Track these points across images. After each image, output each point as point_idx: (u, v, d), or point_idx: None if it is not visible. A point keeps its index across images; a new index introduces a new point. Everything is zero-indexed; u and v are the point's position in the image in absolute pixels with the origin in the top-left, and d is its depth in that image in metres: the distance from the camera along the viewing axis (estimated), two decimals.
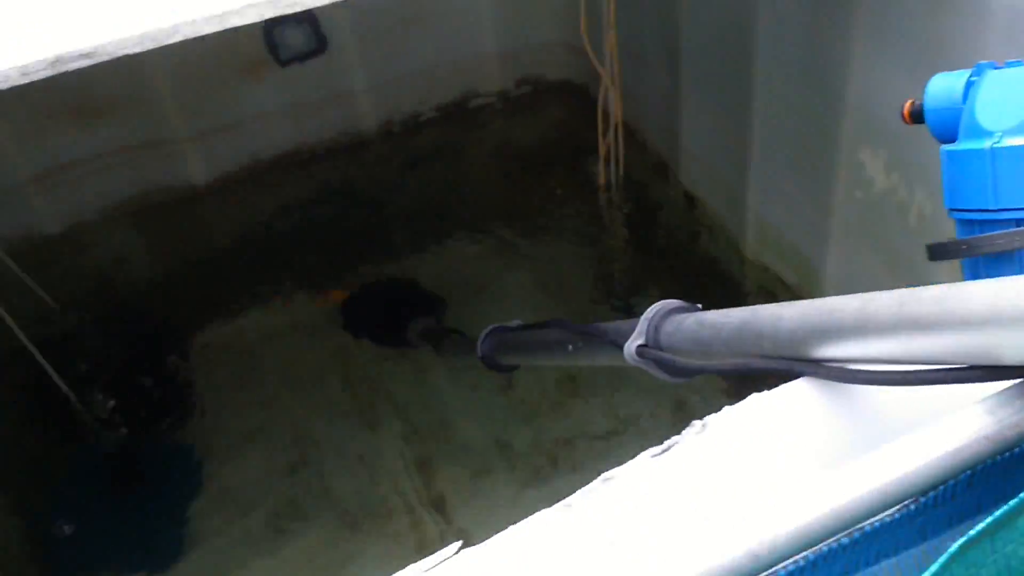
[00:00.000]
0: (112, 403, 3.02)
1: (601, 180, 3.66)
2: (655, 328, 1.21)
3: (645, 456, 0.87)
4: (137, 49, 1.29)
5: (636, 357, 1.22)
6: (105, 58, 1.28)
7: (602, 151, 3.57)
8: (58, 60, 1.24)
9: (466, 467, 2.90)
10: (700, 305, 1.22)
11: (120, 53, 1.29)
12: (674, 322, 1.19)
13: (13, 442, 2.92)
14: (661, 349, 1.19)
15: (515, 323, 2.17)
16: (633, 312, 3.32)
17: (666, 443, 0.86)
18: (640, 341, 1.21)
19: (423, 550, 2.61)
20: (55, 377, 2.86)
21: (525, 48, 4.11)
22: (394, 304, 3.37)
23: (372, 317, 3.37)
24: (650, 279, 3.47)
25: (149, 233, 3.63)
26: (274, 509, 2.82)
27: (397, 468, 2.91)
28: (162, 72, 3.44)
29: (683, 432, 0.86)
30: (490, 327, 2.19)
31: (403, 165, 3.98)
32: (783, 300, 2.84)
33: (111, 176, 3.56)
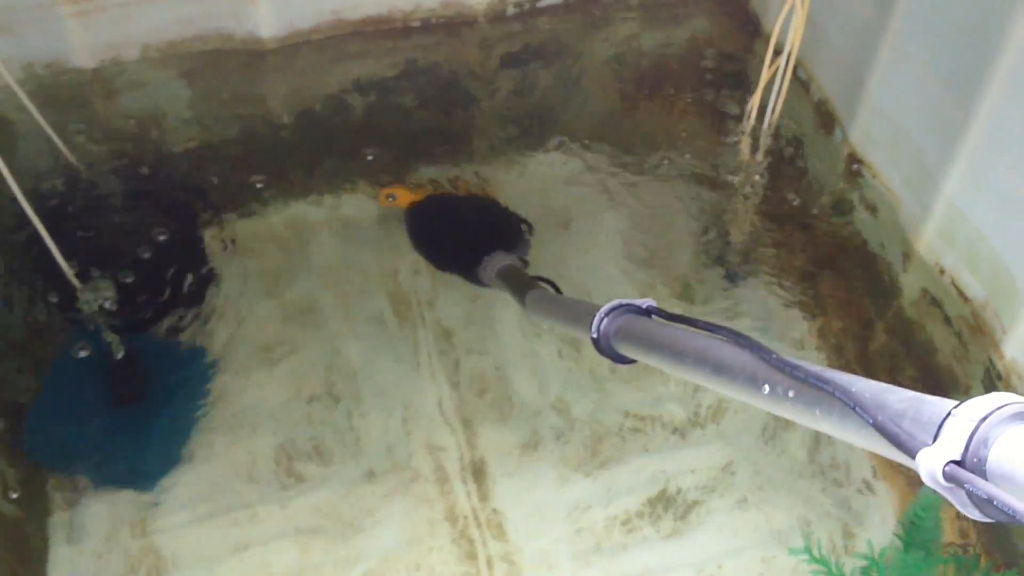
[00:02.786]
0: (123, 284, 2.48)
1: (750, 120, 2.98)
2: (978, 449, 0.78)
3: None
4: None
5: (942, 482, 0.79)
6: None
7: (762, 84, 2.89)
8: None
9: (513, 435, 2.39)
10: None
11: None
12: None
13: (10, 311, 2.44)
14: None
15: (646, 303, 1.54)
16: (738, 288, 2.85)
17: None
18: (951, 458, 0.79)
19: (452, 521, 2.15)
20: (53, 249, 2.32)
21: None
22: (471, 226, 2.77)
23: (441, 234, 2.77)
24: (772, 250, 2.83)
25: (196, 87, 3.03)
26: (287, 442, 2.34)
27: (436, 420, 2.40)
28: None
29: None
30: (616, 302, 1.56)
31: (507, 57, 3.33)
32: (950, 315, 2.18)
33: (163, 8, 2.96)
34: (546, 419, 2.43)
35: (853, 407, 0.91)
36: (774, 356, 1.10)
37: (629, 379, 2.51)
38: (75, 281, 2.41)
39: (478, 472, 2.32)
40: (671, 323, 1.41)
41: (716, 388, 1.23)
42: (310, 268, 2.70)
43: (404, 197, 2.85)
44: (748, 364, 1.14)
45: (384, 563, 2.16)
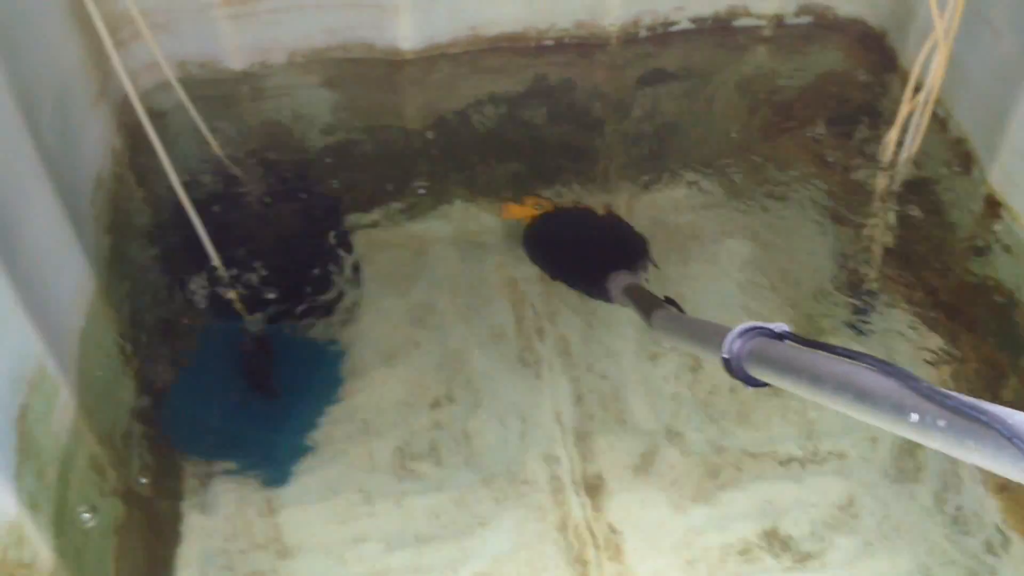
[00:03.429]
0: (263, 278, 2.59)
1: (885, 155, 2.93)
2: None
3: None
4: None
5: None
6: None
7: (900, 119, 2.84)
8: None
9: (630, 453, 2.38)
10: None
11: None
12: None
13: (151, 303, 2.56)
14: None
15: (780, 328, 1.54)
16: (863, 325, 2.79)
17: None
18: None
19: (564, 531, 2.17)
20: (204, 239, 2.44)
21: None
22: (596, 242, 2.79)
23: (564, 248, 2.80)
24: (901, 289, 2.75)
25: (336, 93, 3.14)
26: (407, 442, 2.38)
27: (554, 432, 2.41)
28: None
29: None
30: (749, 325, 1.57)
31: (637, 79, 3.35)
32: None
33: (311, 17, 3.07)
34: (660, 441, 2.41)
35: (1010, 438, 0.90)
36: (924, 384, 1.09)
37: (746, 406, 2.48)
38: (222, 271, 2.52)
39: (593, 487, 2.33)
40: (804, 348, 1.41)
41: (857, 415, 1.23)
42: (434, 275, 2.75)
43: (527, 210, 2.89)
44: (894, 392, 1.13)
45: (495, 565, 2.18)
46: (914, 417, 1.07)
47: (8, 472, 1.53)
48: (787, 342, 1.48)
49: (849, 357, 1.27)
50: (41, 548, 1.55)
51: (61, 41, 2.47)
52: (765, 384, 1.52)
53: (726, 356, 1.55)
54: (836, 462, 2.38)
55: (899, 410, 1.11)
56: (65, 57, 2.48)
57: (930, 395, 1.06)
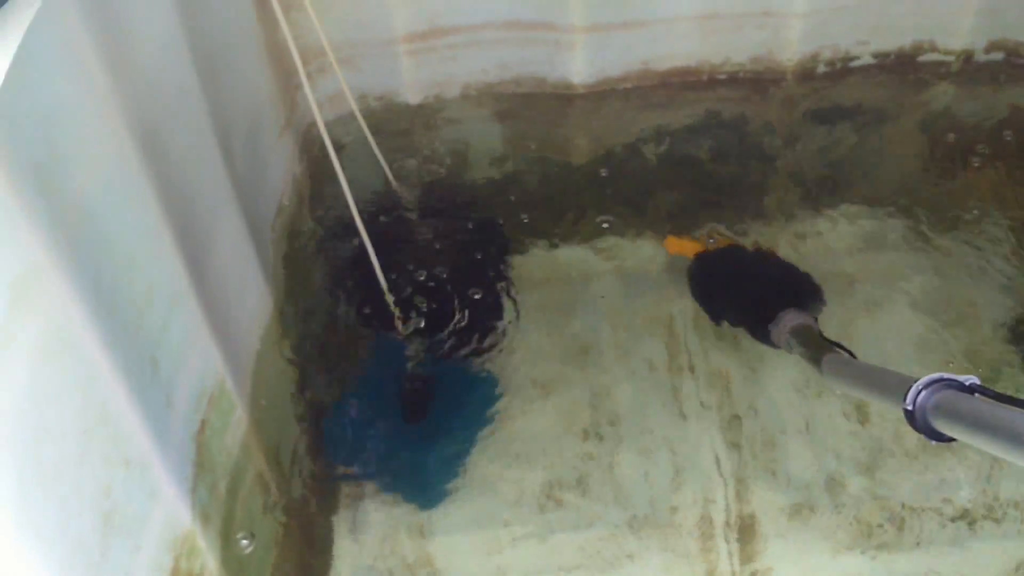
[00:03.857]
0: (426, 306, 2.68)
1: None
2: None
3: None
4: None
5: None
6: None
7: None
8: None
9: (783, 501, 2.30)
10: None
11: None
12: None
13: (321, 325, 2.69)
14: None
15: (969, 380, 1.46)
16: None
17: None
18: None
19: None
20: (375, 264, 2.54)
21: (1015, 4, 3.17)
22: (762, 282, 2.72)
23: (730, 286, 2.74)
24: None
25: (506, 126, 3.20)
26: (555, 477, 2.39)
27: (709, 473, 2.36)
28: None
29: None
30: (936, 376, 1.49)
31: (811, 115, 3.26)
32: None
33: (487, 53, 3.15)
34: (819, 488, 2.33)
35: None
36: None
37: (913, 457, 2.37)
38: (389, 298, 2.62)
39: (744, 533, 2.27)
40: (999, 404, 1.33)
41: None
42: (590, 308, 2.75)
43: (690, 246, 2.86)
44: None
45: None
46: None
47: (186, 485, 1.64)
48: (977, 396, 1.41)
49: None
50: (209, 560, 1.66)
51: (256, 72, 2.63)
52: (950, 439, 1.45)
53: (909, 408, 1.49)
54: (1014, 524, 2.23)
55: None
56: (258, 88, 2.64)
57: None
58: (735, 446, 2.41)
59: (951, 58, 3.31)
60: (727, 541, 2.26)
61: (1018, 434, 1.22)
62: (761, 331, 2.46)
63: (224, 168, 2.15)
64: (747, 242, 2.86)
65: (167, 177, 1.74)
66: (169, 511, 1.57)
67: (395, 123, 3.19)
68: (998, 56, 3.31)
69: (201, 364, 1.82)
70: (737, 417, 2.48)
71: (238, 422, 1.96)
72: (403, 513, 2.33)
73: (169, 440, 1.60)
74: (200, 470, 1.71)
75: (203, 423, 1.78)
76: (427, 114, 3.24)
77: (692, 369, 2.58)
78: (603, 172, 3.10)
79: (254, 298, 2.29)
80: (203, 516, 1.68)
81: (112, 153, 1.52)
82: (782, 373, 2.54)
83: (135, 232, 1.58)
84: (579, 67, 3.20)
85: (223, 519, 1.78)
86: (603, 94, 3.26)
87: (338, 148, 2.54)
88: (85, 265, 1.35)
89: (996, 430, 1.27)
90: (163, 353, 1.62)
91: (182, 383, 1.71)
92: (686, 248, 2.85)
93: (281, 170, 2.77)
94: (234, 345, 2.03)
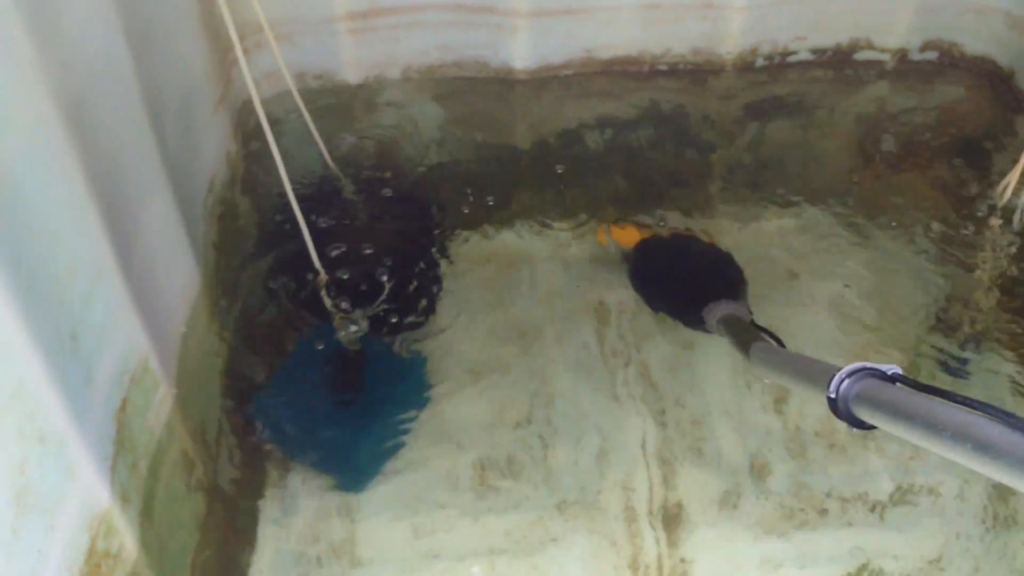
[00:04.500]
0: (361, 287, 2.65)
1: (1003, 198, 2.81)
2: None
3: None
4: None
5: None
6: None
7: (1022, 162, 2.72)
8: None
9: (710, 486, 2.34)
10: None
11: None
12: None
13: (251, 304, 2.65)
14: None
15: (891, 370, 1.48)
16: (967, 371, 2.65)
17: None
18: None
19: (634, 569, 2.13)
20: (310, 246, 2.51)
21: (950, 4, 3.25)
22: (696, 270, 2.75)
23: (665, 274, 2.76)
24: (1011, 335, 2.63)
25: (447, 110, 3.19)
26: (486, 460, 2.38)
27: (635, 457, 2.39)
28: None
29: None
30: (859, 365, 1.51)
31: (749, 107, 3.31)
32: None
33: (430, 34, 3.14)
34: (745, 476, 2.37)
35: None
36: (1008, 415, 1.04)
37: (837, 445, 2.42)
38: (322, 278, 2.59)
39: (670, 519, 2.31)
40: (918, 392, 1.36)
41: (976, 467, 1.17)
42: (525, 294, 2.76)
43: (625, 235, 2.88)
44: (1020, 446, 1.08)
45: None
46: None
47: (106, 463, 1.60)
48: (899, 384, 1.43)
49: (967, 405, 1.22)
50: (128, 540, 1.62)
51: (190, 47, 2.58)
52: (872, 427, 1.48)
53: (832, 396, 1.51)
54: (929, 509, 2.28)
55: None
56: (192, 62, 2.59)
57: None
58: (664, 429, 2.44)
59: (887, 56, 3.39)
60: (653, 528, 2.28)
61: (935, 423, 1.25)
62: (694, 319, 2.49)
63: (155, 142, 2.10)
64: (684, 231, 2.89)
65: (94, 149, 1.69)
66: (87, 490, 1.54)
67: (334, 102, 3.17)
68: (932, 55, 3.39)
69: (125, 341, 1.78)
70: (668, 405, 2.50)
71: (162, 401, 1.92)
72: (332, 495, 2.31)
73: (88, 417, 1.56)
74: (120, 449, 1.67)
75: (125, 401, 1.74)
76: (367, 94, 3.21)
77: (626, 355, 2.60)
78: (543, 158, 3.11)
79: (183, 276, 2.24)
80: (122, 496, 1.64)
81: (34, 121, 1.47)
82: (716, 360, 2.57)
83: (58, 204, 1.53)
84: (522, 52, 3.20)
85: (144, 499, 1.75)
86: (545, 80, 3.27)
87: (275, 126, 2.49)
88: (3, 235, 1.31)
89: (914, 419, 1.30)
90: (84, 329, 1.58)
91: (104, 360, 1.67)
92: (622, 237, 2.87)
93: (215, 147, 2.72)
94: (160, 323, 1.98)
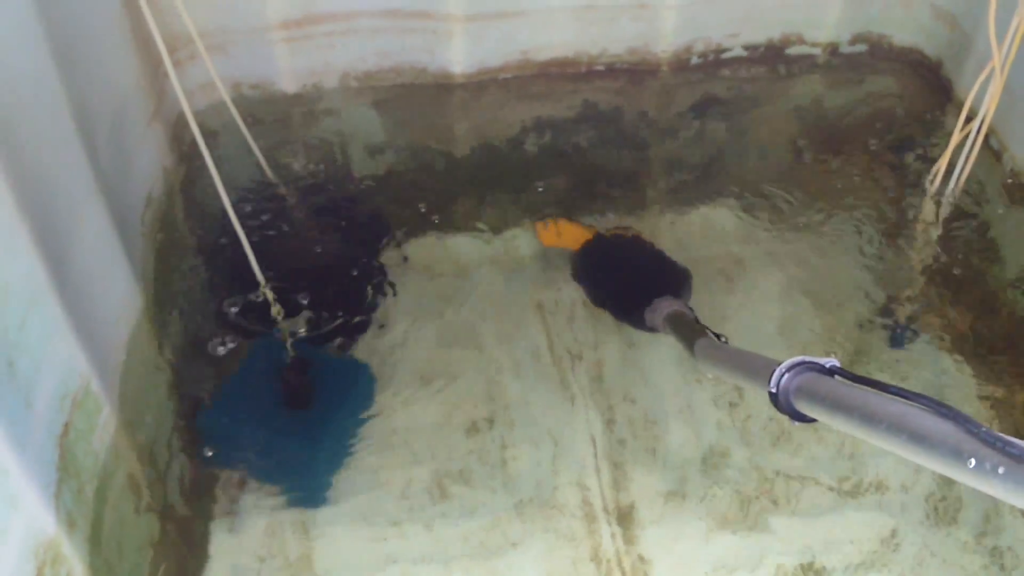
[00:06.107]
0: (305, 297, 2.63)
1: (934, 184, 2.88)
2: None
3: None
4: None
5: None
6: None
7: (950, 148, 2.79)
8: None
9: (662, 481, 2.36)
10: None
11: None
12: None
13: (195, 320, 2.61)
14: None
15: (830, 363, 1.51)
16: (904, 354, 2.69)
17: None
18: None
19: (596, 563, 2.15)
20: (251, 258, 2.48)
21: None
22: (639, 269, 2.77)
23: (609, 273, 2.78)
24: (944, 319, 2.70)
25: (386, 116, 3.18)
26: (440, 465, 2.38)
27: (587, 459, 2.40)
28: None
29: None
30: (798, 359, 1.53)
31: (688, 104, 3.34)
32: None
33: (366, 41, 3.12)
34: (695, 471, 2.39)
35: None
36: (984, 430, 1.07)
37: (784, 437, 2.45)
38: (266, 290, 2.56)
39: (624, 516, 2.32)
40: (856, 385, 1.38)
41: (911, 457, 1.19)
42: (472, 297, 2.76)
43: (568, 234, 2.89)
44: (951, 435, 1.11)
45: None
46: (972, 463, 1.05)
47: (49, 491, 1.57)
48: (837, 377, 1.45)
49: (903, 396, 1.24)
50: (76, 567, 1.59)
51: (120, 61, 2.53)
52: (812, 420, 1.50)
53: (773, 390, 1.53)
54: (876, 495, 2.33)
55: (956, 455, 1.09)
56: (123, 76, 2.54)
57: (990, 441, 1.04)
58: (616, 431, 2.45)
59: (818, 50, 3.45)
60: (610, 524, 2.29)
61: (872, 415, 1.27)
62: (638, 318, 2.52)
63: (86, 159, 2.06)
64: (625, 230, 2.92)
65: (22, 169, 1.65)
66: (31, 518, 1.50)
67: (272, 112, 3.14)
68: (862, 48, 3.46)
69: (64, 365, 1.74)
70: (618, 403, 2.51)
71: (105, 423, 1.89)
72: (285, 507, 2.28)
73: (29, 444, 1.52)
74: (64, 474, 1.64)
75: (67, 426, 1.70)
76: (305, 103, 3.19)
77: (575, 353, 2.61)
78: (483, 162, 3.11)
79: (122, 294, 2.20)
80: (68, 522, 1.61)
81: None
82: (661, 357, 2.59)
83: None
84: (459, 56, 3.19)
85: (91, 524, 1.71)
86: (483, 84, 3.27)
87: (213, 138, 2.48)
88: None
89: (852, 411, 1.32)
90: (20, 354, 1.54)
91: (43, 385, 1.63)
92: (564, 238, 2.88)
93: (150, 161, 2.67)
94: (100, 344, 1.95)
